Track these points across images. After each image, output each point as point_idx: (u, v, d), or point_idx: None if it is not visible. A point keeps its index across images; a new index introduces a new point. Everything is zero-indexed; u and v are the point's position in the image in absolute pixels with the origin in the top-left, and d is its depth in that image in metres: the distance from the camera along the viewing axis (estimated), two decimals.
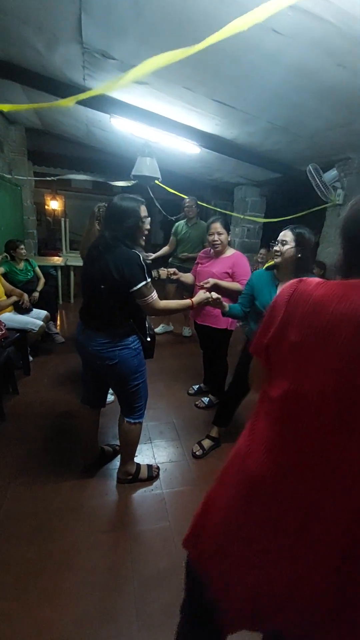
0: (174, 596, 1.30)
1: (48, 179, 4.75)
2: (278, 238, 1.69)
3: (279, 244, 1.67)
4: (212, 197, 6.69)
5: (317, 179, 3.42)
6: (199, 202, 4.59)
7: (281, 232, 1.69)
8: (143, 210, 1.50)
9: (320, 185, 3.41)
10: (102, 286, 1.45)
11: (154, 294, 1.51)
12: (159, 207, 4.74)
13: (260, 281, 1.82)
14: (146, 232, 1.54)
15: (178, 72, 2.49)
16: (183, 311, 1.70)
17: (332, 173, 3.41)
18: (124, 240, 1.45)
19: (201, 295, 1.74)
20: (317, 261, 3.76)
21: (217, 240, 2.27)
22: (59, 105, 1.26)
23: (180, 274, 2.29)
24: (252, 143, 3.67)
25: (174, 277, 2.21)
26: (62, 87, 3.15)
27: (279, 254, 1.68)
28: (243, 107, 2.89)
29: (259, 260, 4.51)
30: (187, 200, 3.97)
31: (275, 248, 1.68)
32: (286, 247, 1.66)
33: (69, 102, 1.33)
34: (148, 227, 1.54)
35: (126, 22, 2.01)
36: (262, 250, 4.51)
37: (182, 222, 4.09)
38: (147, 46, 2.24)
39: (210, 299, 1.73)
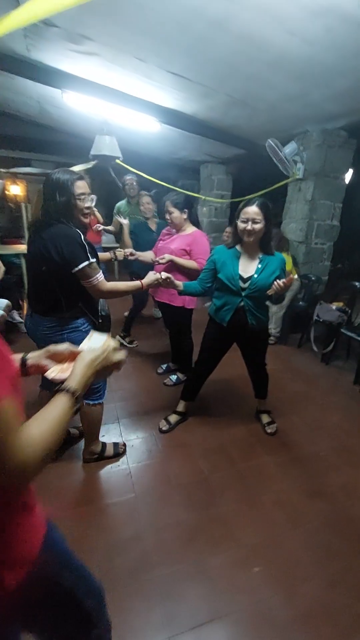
0: (138, 560, 1.36)
1: (2, 170, 4.43)
2: (247, 216, 1.66)
3: (250, 223, 1.66)
4: (179, 177, 6.58)
5: (278, 153, 3.43)
6: (161, 183, 4.50)
7: (246, 209, 1.67)
8: (79, 187, 1.41)
9: (284, 159, 3.41)
10: (43, 268, 1.41)
11: (100, 275, 1.45)
12: (122, 187, 4.61)
13: (223, 255, 1.83)
14: (86, 211, 1.46)
15: (127, 40, 2.39)
16: (132, 293, 1.67)
17: (292, 146, 3.42)
18: (58, 218, 1.39)
19: (150, 276, 1.71)
20: (282, 237, 3.81)
21: (168, 219, 2.28)
22: None
23: (139, 253, 2.26)
24: (212, 118, 3.61)
25: (132, 257, 2.19)
26: (6, 60, 2.95)
27: (252, 233, 1.68)
28: (199, 79, 2.82)
29: (226, 238, 4.53)
30: (128, 177, 3.76)
31: (247, 228, 1.67)
32: (258, 225, 1.67)
33: None
34: (88, 204, 1.46)
35: None
36: (228, 229, 4.52)
37: (122, 202, 3.88)
38: (89, 11, 2.12)
39: (160, 279, 1.71)
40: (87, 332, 1.56)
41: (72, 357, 0.80)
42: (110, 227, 3.96)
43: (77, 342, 1.50)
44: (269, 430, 2.17)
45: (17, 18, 1.05)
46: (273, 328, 3.63)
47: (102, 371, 0.74)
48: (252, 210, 1.67)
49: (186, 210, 2.26)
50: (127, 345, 3.41)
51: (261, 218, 1.67)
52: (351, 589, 1.30)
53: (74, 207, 1.42)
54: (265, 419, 2.25)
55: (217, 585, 1.27)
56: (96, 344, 0.78)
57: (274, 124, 3.48)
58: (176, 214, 2.24)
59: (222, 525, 1.53)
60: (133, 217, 3.77)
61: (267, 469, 1.89)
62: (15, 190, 8.19)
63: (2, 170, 4.36)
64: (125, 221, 3.17)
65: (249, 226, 1.67)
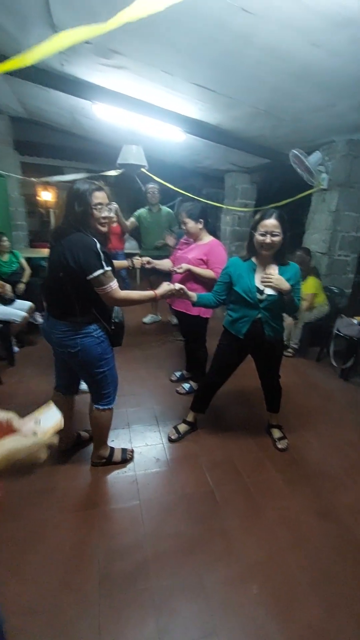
0: (137, 567, 1.37)
1: (34, 180, 4.66)
2: (266, 229, 1.65)
3: (269, 236, 1.66)
4: (203, 185, 6.64)
5: (303, 162, 3.39)
6: (184, 192, 4.55)
7: (265, 221, 1.65)
8: (97, 197, 1.45)
9: (309, 167, 3.36)
10: (61, 274, 1.46)
11: (113, 284, 1.48)
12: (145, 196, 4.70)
13: (238, 268, 1.83)
14: (103, 220, 1.50)
15: (155, 54, 2.46)
16: (145, 302, 1.69)
17: (316, 156, 3.37)
18: (77, 226, 1.44)
19: (164, 287, 1.72)
20: (302, 247, 3.75)
21: (184, 229, 2.32)
22: None
23: (155, 261, 2.30)
24: (236, 128, 3.62)
25: (148, 266, 2.23)
26: (41, 74, 3.11)
27: (271, 246, 1.68)
28: (224, 91, 2.85)
29: None
30: (150, 186, 3.85)
31: (266, 241, 1.66)
32: (277, 238, 1.66)
33: None
34: (105, 214, 1.49)
35: (94, 1, 1.99)
36: None
37: (144, 210, 3.96)
38: (120, 27, 2.20)
39: (173, 290, 1.72)
40: (99, 338, 1.62)
41: (4, 430, 0.68)
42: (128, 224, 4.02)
43: (90, 347, 1.56)
44: (279, 446, 2.13)
45: (57, 43, 1.10)
46: (292, 341, 3.56)
47: (16, 466, 0.63)
48: (271, 223, 1.65)
49: (201, 220, 2.28)
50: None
51: (279, 231, 1.66)
52: (350, 617, 1.24)
53: (91, 217, 1.46)
54: (276, 433, 2.20)
55: (213, 602, 1.25)
56: (46, 423, 0.70)
57: (299, 134, 3.44)
58: (191, 224, 2.26)
59: (223, 540, 1.51)
60: (155, 227, 3.84)
61: (275, 485, 1.84)
62: (46, 196, 8.58)
63: (34, 179, 4.59)
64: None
65: (268, 239, 1.66)
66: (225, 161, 5.09)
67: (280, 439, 2.16)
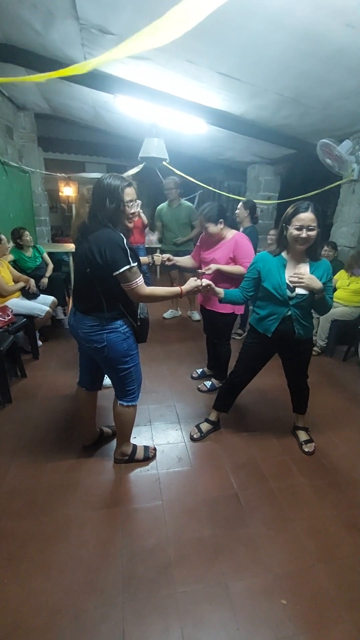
0: (160, 573, 1.34)
1: (58, 175, 4.69)
2: (302, 223, 1.55)
3: (305, 230, 1.57)
4: (225, 178, 6.49)
5: (332, 152, 3.22)
6: (205, 186, 4.45)
7: (301, 215, 1.56)
8: (128, 193, 1.43)
9: (341, 156, 3.18)
10: (88, 270, 1.44)
11: (139, 280, 1.46)
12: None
13: (268, 263, 1.76)
14: (131, 216, 1.48)
15: (180, 43, 2.31)
16: (170, 299, 1.65)
17: (347, 145, 3.20)
18: (106, 222, 1.41)
19: (191, 282, 1.67)
20: (329, 242, 3.59)
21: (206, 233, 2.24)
22: (30, 80, 1.23)
23: (176, 258, 2.25)
24: (261, 117, 3.49)
25: (169, 262, 2.18)
26: (63, 68, 3.09)
27: (307, 241, 1.60)
28: (249, 79, 2.74)
29: (270, 242, 4.36)
30: (166, 181, 3.77)
31: (302, 236, 1.57)
32: (313, 232, 1.58)
33: (40, 78, 1.29)
34: (134, 210, 1.47)
35: None
36: (272, 231, 4.35)
37: (164, 205, 3.90)
38: (144, 17, 2.13)
39: (200, 287, 1.67)
40: (125, 334, 1.60)
41: None
42: (154, 237, 4.01)
43: (116, 342, 1.54)
44: (306, 449, 2.05)
45: (115, 54, 1.07)
46: (319, 338, 3.44)
47: None
48: (308, 216, 1.55)
49: (221, 220, 2.20)
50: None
51: (315, 224, 1.57)
52: None
53: (122, 213, 1.45)
54: (302, 436, 2.12)
55: (239, 613, 1.21)
56: None
57: (327, 122, 3.28)
58: (212, 228, 2.19)
59: (248, 548, 1.46)
60: (175, 223, 3.79)
61: (302, 491, 1.77)
62: (68, 191, 8.67)
63: (58, 174, 4.63)
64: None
65: (304, 234, 1.57)
66: (248, 152, 4.94)
67: (306, 442, 2.09)
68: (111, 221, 1.42)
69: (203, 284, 1.67)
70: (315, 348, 3.45)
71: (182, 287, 1.65)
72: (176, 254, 2.40)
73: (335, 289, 3.44)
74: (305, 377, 2.03)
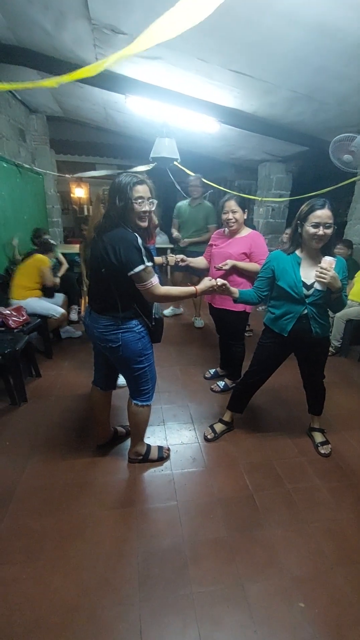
0: (176, 573, 1.34)
1: (67, 176, 4.73)
2: (319, 220, 1.53)
3: (322, 228, 1.54)
4: (236, 177, 6.44)
5: (346, 149, 3.16)
6: (216, 185, 4.41)
7: (318, 212, 1.54)
8: (138, 190, 1.41)
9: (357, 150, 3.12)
10: (102, 269, 1.44)
11: (154, 279, 1.45)
12: (179, 189, 4.63)
13: (282, 262, 1.73)
14: (142, 215, 1.46)
15: (191, 41, 2.37)
16: (185, 299, 1.64)
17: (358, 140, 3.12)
18: (118, 221, 1.41)
19: (206, 282, 1.66)
20: (344, 240, 3.53)
21: (231, 219, 2.19)
22: (42, 85, 1.24)
23: (190, 259, 2.24)
24: (274, 115, 3.45)
25: (182, 263, 2.17)
26: (75, 69, 3.11)
27: (323, 238, 1.57)
28: (262, 75, 2.71)
29: (285, 240, 4.31)
30: (192, 178, 3.74)
31: (319, 233, 1.55)
32: (329, 230, 1.56)
33: (52, 83, 1.31)
34: (145, 208, 1.45)
35: None
36: (288, 230, 4.29)
37: (184, 202, 3.85)
38: (156, 15, 2.13)
39: (215, 286, 1.65)
40: (140, 334, 1.59)
41: None
42: (175, 233, 3.97)
43: (131, 342, 1.54)
44: (322, 451, 2.01)
45: (126, 52, 1.07)
46: (334, 339, 3.38)
47: None
48: (325, 214, 1.53)
49: (246, 210, 2.20)
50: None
51: (332, 222, 1.55)
52: None
53: (132, 211, 1.43)
54: (318, 437, 2.09)
55: (257, 615, 1.20)
56: None
57: (342, 118, 3.22)
58: (240, 213, 2.18)
59: (265, 550, 1.44)
60: (192, 222, 3.75)
61: (319, 494, 1.74)
62: (80, 192, 8.75)
63: (67, 175, 4.68)
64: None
65: (321, 231, 1.55)
66: (260, 150, 4.89)
67: (322, 443, 2.05)
68: (122, 219, 1.41)
69: (218, 284, 1.66)
70: (330, 348, 3.39)
71: (197, 287, 1.63)
72: (189, 255, 2.38)
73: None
74: (321, 377, 1.99)
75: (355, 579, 1.34)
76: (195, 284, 1.77)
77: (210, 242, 2.44)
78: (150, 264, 1.42)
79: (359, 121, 3.21)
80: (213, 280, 1.67)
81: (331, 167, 3.65)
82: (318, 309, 1.70)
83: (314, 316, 1.70)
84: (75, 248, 5.31)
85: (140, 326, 1.57)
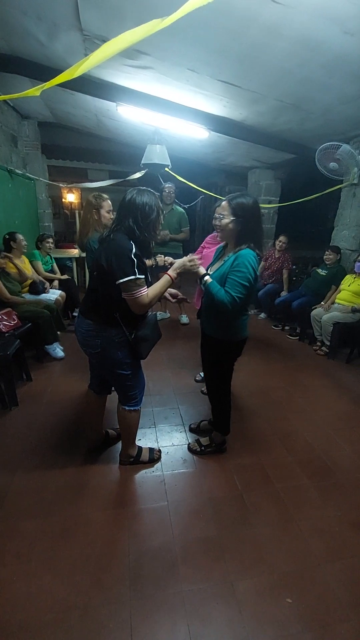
0: (166, 571, 1.36)
1: (62, 185, 4.77)
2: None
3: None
4: (226, 183, 6.55)
5: (331, 158, 3.26)
6: (206, 191, 4.49)
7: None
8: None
9: (345, 158, 3.22)
10: (95, 272, 1.48)
11: (143, 290, 1.44)
12: (160, 195, 4.71)
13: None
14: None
15: (181, 52, 2.43)
16: (167, 288, 1.59)
17: (346, 149, 3.23)
18: (143, 233, 1.44)
19: (178, 261, 1.62)
20: (331, 246, 3.62)
21: (217, 225, 2.24)
22: (26, 95, 1.29)
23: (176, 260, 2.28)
24: (262, 123, 3.54)
25: (169, 264, 2.21)
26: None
27: (219, 227, 1.69)
28: (249, 86, 2.79)
29: (278, 248, 4.39)
30: (167, 185, 3.90)
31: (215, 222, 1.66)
32: (224, 221, 1.62)
33: (34, 92, 1.36)
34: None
35: (122, 3, 1.99)
36: (282, 237, 4.37)
37: None
38: None
39: (187, 262, 1.59)
40: (120, 344, 1.55)
41: None
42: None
43: (110, 351, 1.52)
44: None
45: (96, 57, 1.13)
46: (325, 339, 3.47)
47: None
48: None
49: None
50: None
51: (228, 212, 1.63)
52: None
53: (159, 223, 1.52)
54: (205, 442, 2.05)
55: (245, 611, 1.22)
56: None
57: (328, 127, 3.32)
58: (227, 220, 2.21)
59: (253, 548, 1.47)
60: (165, 226, 3.85)
61: (306, 492, 1.78)
62: (71, 197, 8.77)
63: (61, 184, 4.73)
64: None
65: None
66: (249, 157, 4.99)
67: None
68: (148, 232, 1.47)
69: (195, 257, 1.62)
70: (323, 348, 3.49)
71: (169, 272, 1.57)
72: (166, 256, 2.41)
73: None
74: (214, 381, 1.92)
75: (341, 575, 1.38)
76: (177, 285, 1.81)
77: (202, 244, 2.50)
78: (142, 276, 1.42)
79: (344, 130, 3.32)
80: (187, 256, 1.63)
81: (319, 174, 3.76)
82: (207, 302, 1.72)
83: (203, 310, 1.81)
84: (66, 252, 5.33)
85: (119, 336, 1.54)
